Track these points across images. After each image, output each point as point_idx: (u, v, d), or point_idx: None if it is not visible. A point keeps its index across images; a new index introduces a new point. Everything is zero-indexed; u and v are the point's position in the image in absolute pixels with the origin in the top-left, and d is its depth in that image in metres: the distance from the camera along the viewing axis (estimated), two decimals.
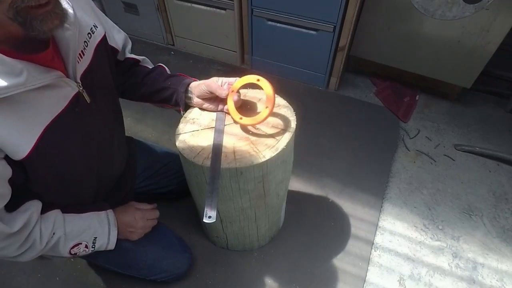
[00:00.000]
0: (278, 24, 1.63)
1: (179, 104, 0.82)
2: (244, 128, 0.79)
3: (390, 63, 1.68)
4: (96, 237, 0.74)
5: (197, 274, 1.06)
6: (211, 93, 0.78)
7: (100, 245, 0.77)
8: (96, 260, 0.95)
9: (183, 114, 0.85)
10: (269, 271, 1.08)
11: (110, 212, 0.78)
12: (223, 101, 0.80)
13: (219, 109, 0.81)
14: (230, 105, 0.76)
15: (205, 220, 0.63)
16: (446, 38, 1.44)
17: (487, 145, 1.51)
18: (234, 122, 0.78)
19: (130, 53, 0.84)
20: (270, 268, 1.09)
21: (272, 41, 1.73)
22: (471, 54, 1.44)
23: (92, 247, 0.75)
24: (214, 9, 1.75)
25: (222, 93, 0.76)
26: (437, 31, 1.44)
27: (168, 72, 0.87)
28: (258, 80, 0.73)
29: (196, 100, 0.82)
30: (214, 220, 0.63)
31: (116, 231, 0.79)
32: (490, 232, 1.21)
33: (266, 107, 0.71)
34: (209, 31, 1.89)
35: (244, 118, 0.75)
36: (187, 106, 0.85)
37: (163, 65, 0.87)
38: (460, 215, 1.26)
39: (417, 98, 1.74)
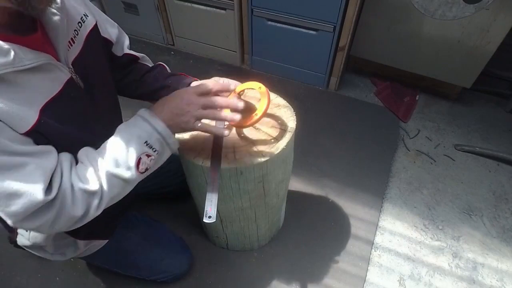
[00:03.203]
0: (278, 24, 1.63)
1: None
2: (239, 130, 0.79)
3: (390, 63, 1.68)
4: (146, 141, 0.60)
5: (197, 274, 1.06)
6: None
7: (159, 144, 0.62)
8: (96, 260, 0.95)
9: None
10: (269, 271, 1.08)
11: (141, 111, 0.63)
12: None
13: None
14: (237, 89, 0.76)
15: (205, 220, 0.63)
16: (446, 38, 1.45)
17: (487, 145, 1.51)
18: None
19: (129, 49, 0.84)
20: (270, 268, 1.09)
21: (272, 41, 1.73)
22: (471, 54, 1.44)
23: (155, 151, 0.61)
24: (214, 9, 1.75)
25: (224, 92, 0.76)
26: (437, 31, 1.44)
27: (169, 70, 0.87)
28: (260, 88, 0.72)
29: None
30: (214, 220, 0.63)
31: (160, 121, 0.61)
32: (490, 232, 1.21)
33: (256, 114, 0.69)
34: (209, 31, 1.89)
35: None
36: None
37: (163, 64, 0.87)
38: (460, 215, 1.26)
39: (417, 98, 1.74)
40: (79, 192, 0.55)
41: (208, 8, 1.77)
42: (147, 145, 0.60)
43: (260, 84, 0.73)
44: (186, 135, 0.79)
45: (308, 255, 1.12)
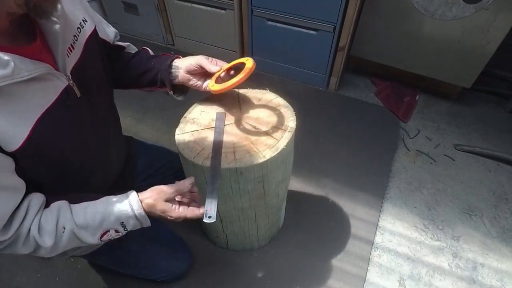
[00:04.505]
0: (278, 24, 1.63)
1: (165, 84, 0.80)
2: (242, 125, 0.79)
3: (390, 63, 1.68)
4: (123, 222, 0.64)
5: (197, 274, 1.06)
6: (201, 67, 0.77)
7: (133, 227, 0.66)
8: (97, 259, 0.95)
9: (174, 96, 0.82)
10: (269, 271, 1.08)
11: (131, 193, 0.66)
12: (211, 78, 0.79)
13: (204, 85, 0.79)
14: (214, 76, 0.77)
15: (205, 220, 0.63)
16: (446, 38, 1.44)
17: (487, 145, 1.51)
18: (210, 91, 0.77)
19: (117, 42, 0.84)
20: (270, 268, 1.09)
21: (272, 41, 1.73)
22: (471, 54, 1.44)
23: (125, 230, 0.66)
24: (214, 9, 1.75)
25: (212, 68, 0.75)
26: (437, 31, 1.44)
27: (152, 53, 0.85)
28: (247, 60, 0.73)
29: (182, 75, 0.79)
30: (214, 220, 0.63)
31: (144, 212, 0.65)
32: (490, 232, 1.21)
33: (241, 73, 0.71)
34: (209, 31, 1.89)
35: (215, 84, 0.75)
36: (177, 88, 0.83)
37: (146, 48, 0.86)
38: (460, 215, 1.26)
39: (417, 98, 1.74)
40: (32, 238, 0.57)
41: (208, 8, 1.77)
42: (121, 224, 0.64)
43: (247, 58, 0.73)
44: (186, 135, 0.79)
45: (308, 255, 1.12)
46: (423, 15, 1.39)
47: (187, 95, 0.86)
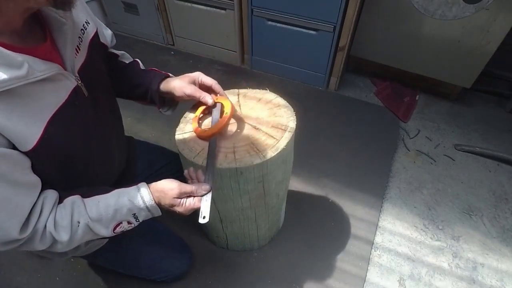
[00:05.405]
0: (278, 24, 1.63)
1: (155, 103, 0.81)
2: (242, 125, 0.79)
3: (390, 63, 1.68)
4: (135, 213, 0.65)
5: (197, 274, 1.06)
6: (193, 97, 0.77)
7: (145, 218, 0.68)
8: (97, 260, 0.95)
9: (163, 112, 0.85)
10: (269, 271, 1.08)
11: (141, 185, 0.67)
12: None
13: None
14: (197, 112, 0.80)
15: (200, 220, 0.62)
16: (446, 38, 1.45)
17: (487, 145, 1.51)
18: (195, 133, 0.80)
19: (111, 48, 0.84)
20: (270, 268, 1.09)
21: (272, 41, 1.73)
22: (471, 54, 1.44)
23: (137, 221, 0.67)
24: (214, 9, 1.75)
25: (208, 101, 0.76)
26: (437, 31, 1.44)
27: (142, 67, 0.86)
28: (225, 101, 0.76)
29: (170, 98, 0.81)
30: (208, 221, 0.62)
31: (155, 204, 0.66)
32: (490, 232, 1.21)
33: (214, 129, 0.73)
34: (209, 31, 1.89)
35: (199, 129, 0.77)
36: (167, 103, 0.85)
37: (137, 60, 0.86)
38: (460, 215, 1.26)
39: (417, 98, 1.74)
40: (49, 234, 0.58)
41: (208, 8, 1.77)
42: (133, 215, 0.65)
43: (225, 100, 0.76)
44: (186, 135, 0.79)
45: (308, 255, 1.12)
46: (423, 15, 1.39)
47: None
